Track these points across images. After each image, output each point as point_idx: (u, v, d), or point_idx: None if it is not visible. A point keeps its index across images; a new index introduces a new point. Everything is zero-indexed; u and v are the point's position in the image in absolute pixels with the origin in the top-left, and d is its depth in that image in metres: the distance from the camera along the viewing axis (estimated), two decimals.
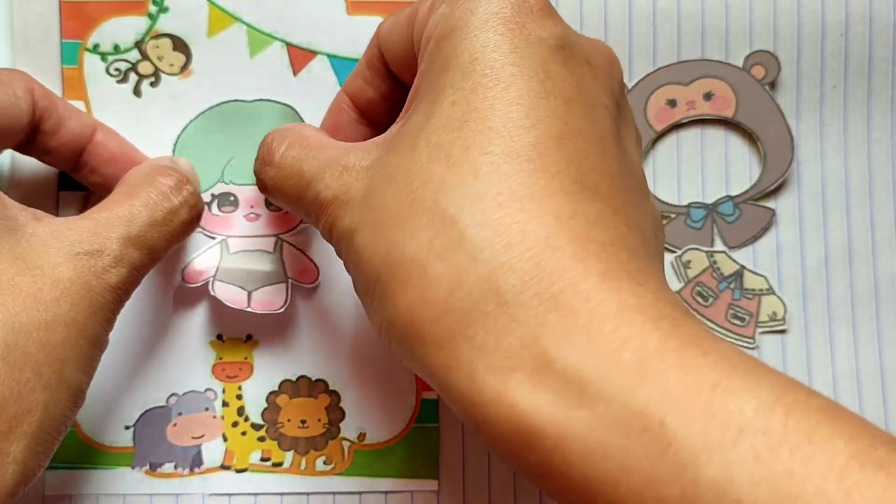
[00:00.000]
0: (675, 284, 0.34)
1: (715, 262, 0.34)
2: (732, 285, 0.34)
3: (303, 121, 0.34)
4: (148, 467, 0.32)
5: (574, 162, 0.22)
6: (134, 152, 0.32)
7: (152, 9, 0.33)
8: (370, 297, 0.23)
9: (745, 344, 0.34)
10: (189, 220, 0.29)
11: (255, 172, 0.29)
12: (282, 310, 0.32)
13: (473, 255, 0.21)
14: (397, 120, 0.26)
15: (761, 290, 0.34)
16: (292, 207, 0.28)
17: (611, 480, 0.19)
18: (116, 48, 0.33)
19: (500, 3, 0.24)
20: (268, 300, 0.32)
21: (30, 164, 0.33)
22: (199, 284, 0.32)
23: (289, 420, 0.32)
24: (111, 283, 0.26)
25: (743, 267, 0.34)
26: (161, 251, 0.28)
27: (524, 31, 0.24)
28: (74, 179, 0.32)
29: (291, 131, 0.28)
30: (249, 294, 0.32)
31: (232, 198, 0.33)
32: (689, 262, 0.34)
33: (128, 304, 0.32)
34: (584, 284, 0.20)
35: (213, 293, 0.32)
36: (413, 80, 0.26)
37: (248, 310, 0.32)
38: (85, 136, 0.31)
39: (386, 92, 0.29)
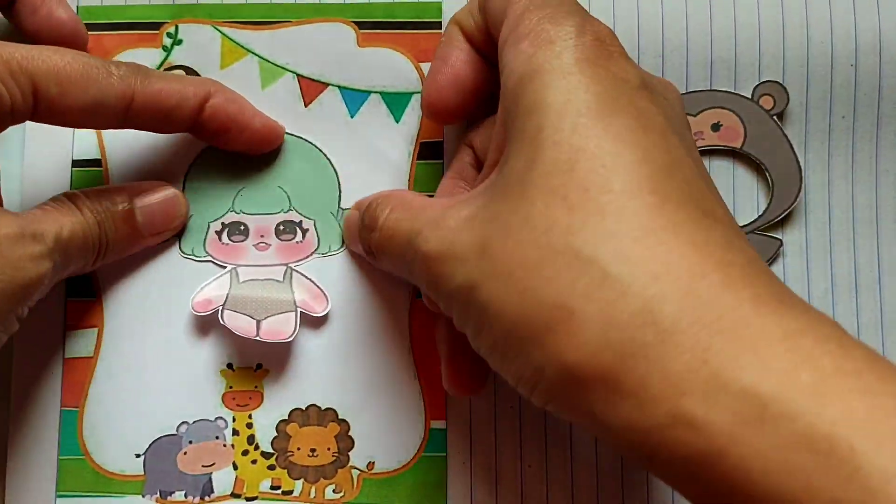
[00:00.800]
0: None
1: None
2: None
3: (318, 150, 0.34)
4: (158, 495, 0.32)
5: (688, 190, 0.23)
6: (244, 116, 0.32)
7: (167, 41, 0.34)
8: (506, 351, 0.23)
9: None
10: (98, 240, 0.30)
11: (361, 240, 0.30)
12: (290, 338, 0.32)
13: (622, 291, 0.21)
14: (494, 166, 0.26)
15: None
16: (398, 270, 0.28)
17: (795, 500, 0.19)
18: None
19: (585, 47, 0.24)
20: (276, 329, 0.32)
21: (41, 192, 0.33)
22: (208, 313, 0.32)
23: (298, 448, 0.33)
24: (39, 272, 0.27)
25: None
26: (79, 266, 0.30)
27: (609, 73, 0.24)
28: None
29: (393, 196, 0.29)
30: (258, 323, 0.32)
31: (242, 227, 0.34)
32: None
33: (138, 331, 0.33)
34: (741, 310, 0.21)
35: (222, 322, 0.32)
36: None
37: (257, 339, 0.32)
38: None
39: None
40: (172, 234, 0.33)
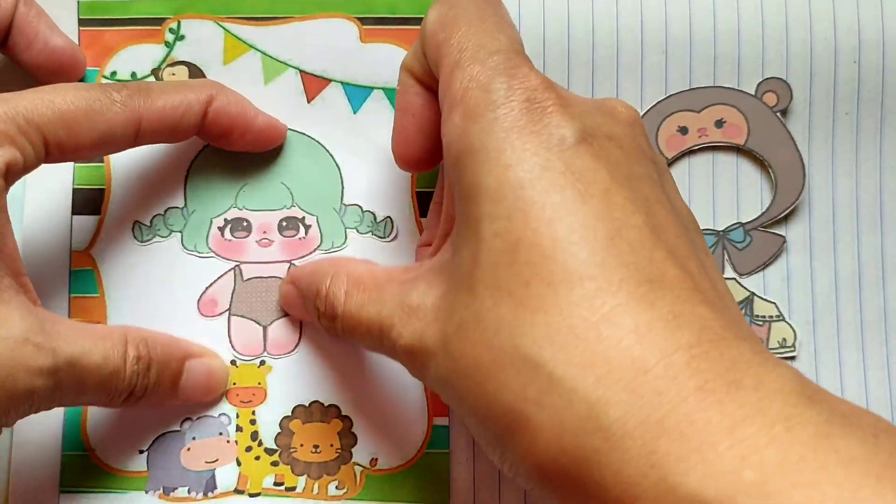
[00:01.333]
0: None
1: None
2: (742, 312, 0.34)
3: (321, 146, 0.34)
4: (162, 491, 0.32)
5: (632, 260, 0.22)
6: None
7: (169, 37, 0.34)
8: (483, 444, 0.24)
9: None
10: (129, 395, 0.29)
11: (323, 326, 0.29)
12: (295, 351, 0.33)
13: (569, 397, 0.21)
14: (446, 237, 0.26)
15: (771, 316, 0.34)
16: (375, 351, 0.28)
17: None
18: (133, 75, 0.34)
19: (513, 115, 0.23)
20: (282, 340, 0.33)
21: (44, 190, 0.33)
22: (214, 317, 0.33)
23: (302, 445, 0.33)
24: (30, 386, 0.26)
25: (753, 293, 0.34)
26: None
27: (541, 137, 0.23)
28: (88, 202, 0.33)
29: (341, 273, 0.28)
30: (265, 330, 0.33)
31: (245, 223, 0.34)
32: None
33: (141, 327, 0.33)
34: (685, 406, 0.20)
35: (229, 338, 0.33)
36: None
37: (265, 356, 0.33)
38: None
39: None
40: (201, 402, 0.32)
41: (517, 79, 0.24)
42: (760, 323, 0.34)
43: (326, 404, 0.33)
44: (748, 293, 0.34)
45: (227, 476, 0.33)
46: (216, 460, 0.33)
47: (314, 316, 0.30)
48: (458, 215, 0.24)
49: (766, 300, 0.34)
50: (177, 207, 0.34)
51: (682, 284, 0.22)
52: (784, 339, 0.34)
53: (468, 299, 0.23)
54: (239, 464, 0.33)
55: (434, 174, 0.34)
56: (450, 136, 0.25)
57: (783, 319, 0.34)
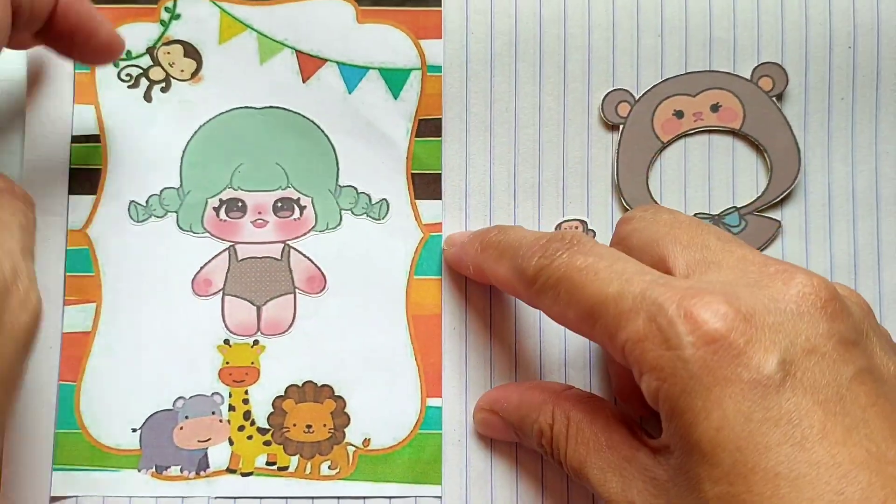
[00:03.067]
0: None
1: None
2: None
3: (316, 126, 0.34)
4: (154, 470, 0.32)
5: None
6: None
7: (164, 16, 0.34)
8: None
9: None
10: None
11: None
12: (289, 331, 0.33)
13: None
14: (666, 441, 0.25)
15: None
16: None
17: None
18: (128, 54, 0.34)
19: (702, 363, 0.23)
20: (276, 320, 0.33)
21: (40, 169, 0.33)
22: (208, 296, 0.33)
23: (294, 425, 0.33)
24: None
25: None
26: None
27: (742, 384, 0.22)
28: (85, 182, 0.33)
29: (561, 414, 0.29)
30: (259, 310, 0.33)
31: (240, 203, 0.34)
32: None
33: (136, 307, 0.33)
34: None
35: (223, 318, 0.33)
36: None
37: (258, 336, 0.33)
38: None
39: None
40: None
41: (691, 319, 0.23)
42: None
43: (319, 384, 0.33)
44: None
45: (219, 455, 0.33)
46: (209, 439, 0.33)
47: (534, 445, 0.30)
48: (676, 450, 0.24)
49: None
50: (172, 187, 0.34)
51: None
52: None
53: None
54: (231, 443, 0.33)
55: (435, 159, 0.34)
56: (649, 396, 0.24)
57: None
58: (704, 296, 0.23)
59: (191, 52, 0.34)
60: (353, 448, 0.33)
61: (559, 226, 0.34)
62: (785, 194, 0.34)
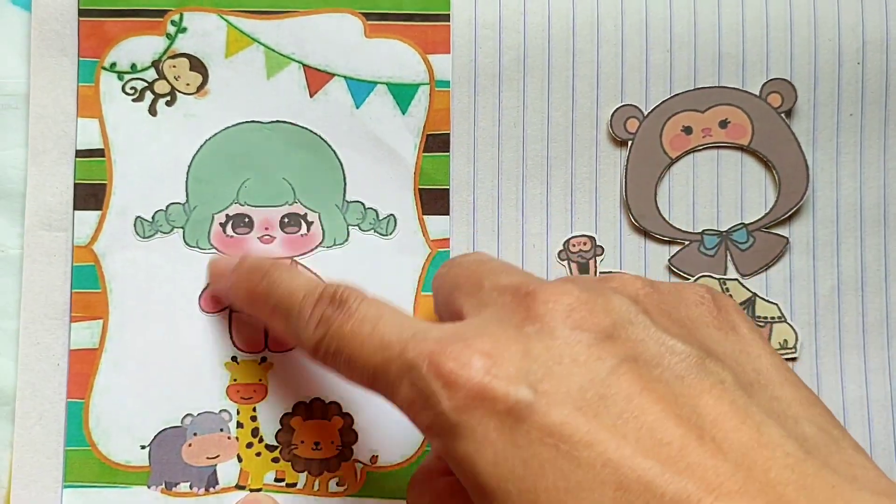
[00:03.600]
0: None
1: (727, 290, 0.34)
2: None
3: (323, 141, 0.34)
4: (164, 486, 0.32)
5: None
6: None
7: (171, 29, 0.33)
8: None
9: None
10: None
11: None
12: (296, 348, 0.33)
13: None
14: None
15: (773, 317, 0.34)
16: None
17: None
18: (133, 67, 0.33)
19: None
20: (283, 338, 0.33)
21: (45, 185, 0.33)
22: (216, 313, 0.33)
23: (302, 442, 0.33)
24: None
25: (755, 294, 0.34)
26: None
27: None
28: (90, 197, 0.33)
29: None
30: (266, 327, 0.33)
31: (247, 219, 0.33)
32: None
33: (143, 323, 0.33)
34: None
35: (230, 335, 0.33)
36: None
37: (266, 353, 0.33)
38: None
39: None
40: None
41: (440, 374, 0.23)
42: (762, 324, 0.34)
43: (327, 401, 0.33)
44: (750, 294, 0.34)
45: (228, 472, 0.33)
46: (217, 456, 0.33)
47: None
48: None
49: (768, 301, 0.34)
50: (178, 203, 0.33)
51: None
52: (785, 341, 0.34)
53: None
54: (240, 460, 0.33)
55: (443, 175, 0.34)
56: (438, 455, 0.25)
57: (785, 321, 0.34)
58: (448, 346, 0.23)
59: (197, 65, 0.33)
60: (361, 465, 0.33)
61: (567, 241, 0.34)
62: (793, 211, 0.34)
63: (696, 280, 0.34)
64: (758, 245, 0.34)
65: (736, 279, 0.34)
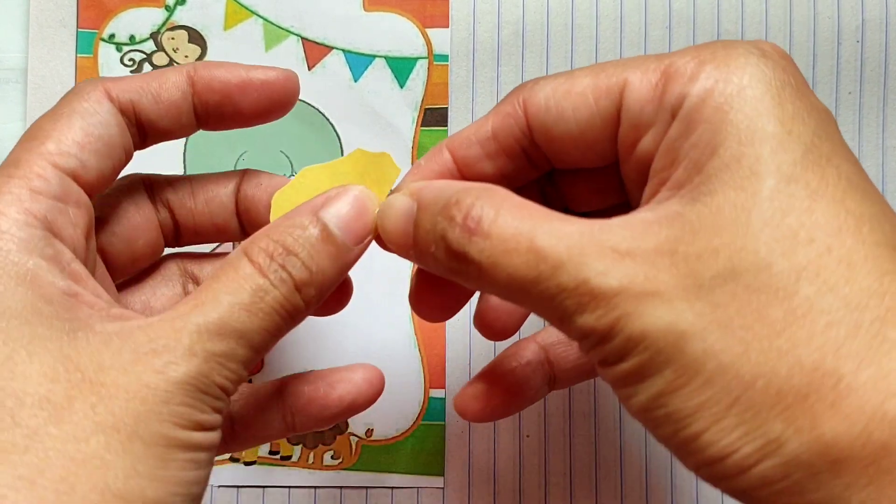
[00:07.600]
0: None
1: None
2: None
3: (320, 114, 0.33)
4: None
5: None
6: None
7: (170, 1, 0.33)
8: (722, 416, 0.19)
9: None
10: (284, 301, 0.23)
11: (453, 245, 0.22)
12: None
13: None
14: (661, 188, 0.22)
15: None
16: (515, 293, 0.21)
17: None
18: (132, 39, 0.33)
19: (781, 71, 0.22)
20: None
21: None
22: None
23: None
24: (174, 378, 0.21)
25: None
26: (256, 336, 0.22)
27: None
28: None
29: (491, 191, 0.22)
30: None
31: None
32: None
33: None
34: None
35: None
36: (579, 160, 0.23)
37: None
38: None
39: (510, 172, 0.25)
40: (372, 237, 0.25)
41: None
42: None
43: None
44: None
45: None
46: None
47: (430, 236, 0.23)
48: (716, 158, 0.21)
49: None
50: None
51: None
52: None
53: (739, 246, 0.20)
54: None
55: None
56: (701, 87, 0.21)
57: None
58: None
59: (195, 37, 0.33)
60: (356, 438, 0.33)
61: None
62: None
63: None
64: None
65: None
